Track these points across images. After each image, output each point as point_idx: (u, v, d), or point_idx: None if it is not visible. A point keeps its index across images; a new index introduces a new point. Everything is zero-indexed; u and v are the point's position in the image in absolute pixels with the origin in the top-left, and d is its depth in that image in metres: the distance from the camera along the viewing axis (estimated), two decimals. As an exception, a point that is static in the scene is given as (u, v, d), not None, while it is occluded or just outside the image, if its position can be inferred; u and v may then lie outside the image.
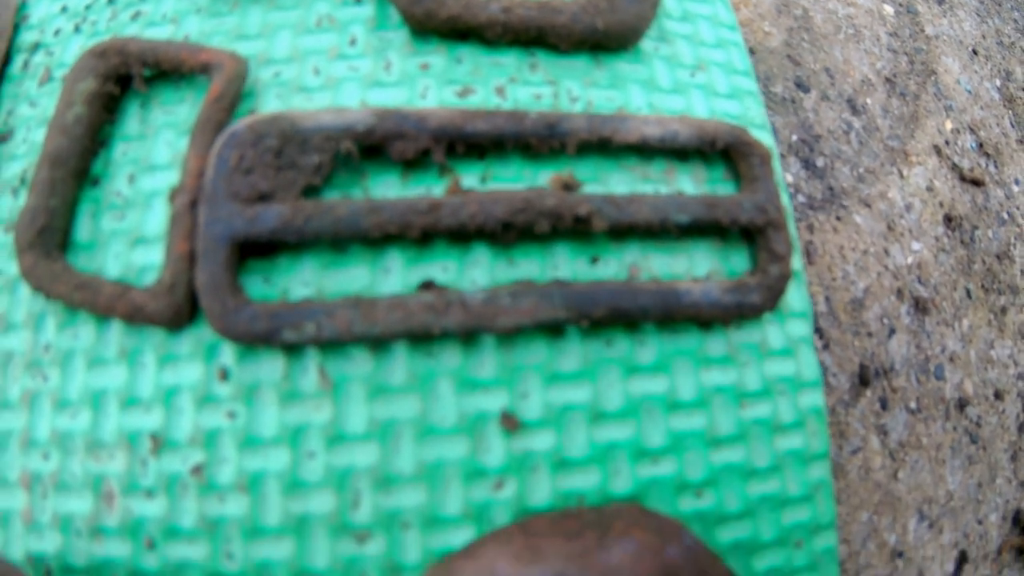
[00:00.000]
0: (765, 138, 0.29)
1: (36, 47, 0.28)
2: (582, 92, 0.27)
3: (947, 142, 0.39)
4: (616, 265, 0.25)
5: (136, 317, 0.23)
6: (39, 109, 0.27)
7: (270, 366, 0.23)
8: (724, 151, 0.27)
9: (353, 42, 0.27)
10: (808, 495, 0.27)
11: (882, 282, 0.37)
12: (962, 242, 0.39)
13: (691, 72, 0.29)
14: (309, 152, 0.23)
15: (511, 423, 0.23)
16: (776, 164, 0.28)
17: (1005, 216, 0.41)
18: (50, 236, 0.24)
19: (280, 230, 0.22)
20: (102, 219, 0.25)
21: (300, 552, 0.23)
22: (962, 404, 0.39)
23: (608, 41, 0.27)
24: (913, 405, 0.38)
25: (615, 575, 0.22)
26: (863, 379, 0.37)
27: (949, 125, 0.39)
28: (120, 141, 0.26)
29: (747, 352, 0.27)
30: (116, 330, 0.24)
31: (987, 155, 0.39)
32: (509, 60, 0.27)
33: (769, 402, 0.27)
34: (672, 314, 0.24)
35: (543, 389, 0.24)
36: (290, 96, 0.26)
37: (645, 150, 0.26)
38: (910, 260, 0.38)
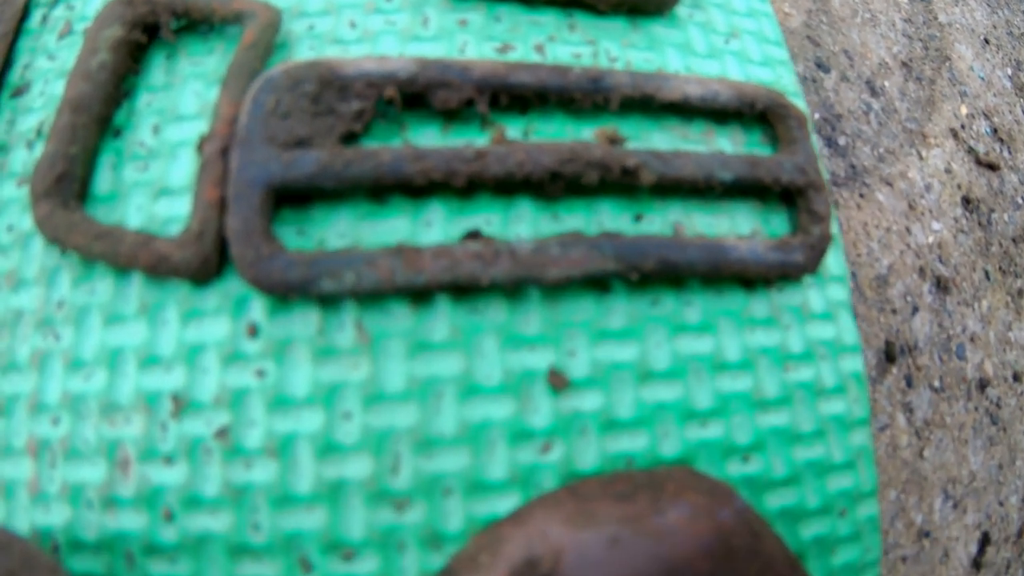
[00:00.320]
0: (799, 104, 0.29)
1: (56, 1, 0.27)
2: (620, 52, 0.26)
3: (963, 126, 0.39)
4: (660, 222, 0.24)
5: (160, 268, 0.22)
6: (58, 62, 0.25)
7: (303, 320, 0.22)
8: (762, 114, 0.27)
9: (389, -3, 0.26)
10: (851, 461, 0.26)
11: (905, 260, 0.37)
12: (980, 224, 0.39)
13: (725, 39, 0.29)
14: (349, 98, 0.22)
15: (559, 381, 0.22)
16: (811, 129, 0.28)
17: (1020, 201, 0.42)
18: (68, 185, 0.22)
19: (319, 175, 0.21)
20: (124, 170, 0.23)
21: (333, 522, 0.21)
22: (983, 384, 0.38)
23: (646, 4, 0.27)
24: (936, 384, 0.37)
25: (670, 537, 0.21)
26: (889, 355, 0.36)
27: (964, 110, 0.39)
28: (145, 91, 0.24)
29: (790, 314, 0.26)
30: (136, 284, 0.22)
31: (1001, 140, 0.40)
32: (547, 19, 0.26)
33: (812, 365, 0.26)
34: (719, 269, 0.23)
35: (590, 347, 0.22)
36: (325, 48, 0.24)
37: (685, 110, 0.25)
38: (931, 240, 0.38)
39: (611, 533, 0.20)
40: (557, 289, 0.22)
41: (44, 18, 0.26)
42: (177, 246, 0.21)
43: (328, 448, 0.21)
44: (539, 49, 0.25)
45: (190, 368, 0.21)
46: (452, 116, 0.23)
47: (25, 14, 0.26)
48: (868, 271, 0.36)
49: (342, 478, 0.21)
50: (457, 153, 0.21)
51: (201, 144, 0.23)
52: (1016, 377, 0.40)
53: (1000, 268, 0.38)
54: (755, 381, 0.24)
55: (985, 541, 0.37)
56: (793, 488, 0.25)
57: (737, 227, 0.25)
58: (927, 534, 0.36)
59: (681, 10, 0.28)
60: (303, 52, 0.24)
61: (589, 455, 0.22)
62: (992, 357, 0.37)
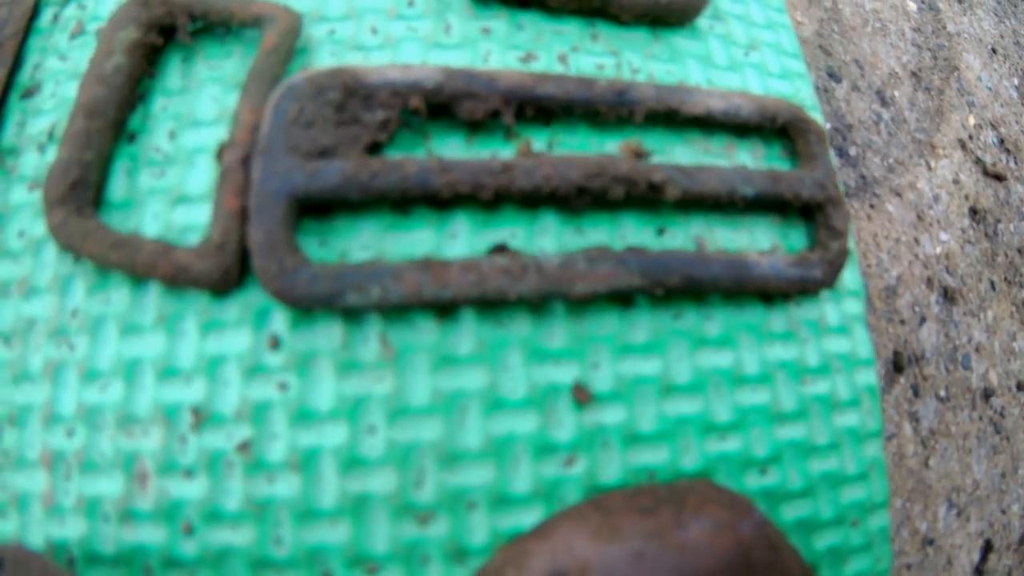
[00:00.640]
0: (817, 118, 0.29)
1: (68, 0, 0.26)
2: (643, 64, 0.26)
3: (970, 137, 0.40)
4: (682, 236, 0.24)
5: (179, 279, 0.21)
6: (70, 63, 0.24)
7: (327, 333, 0.21)
8: (782, 128, 0.27)
9: (411, 3, 0.25)
10: (864, 473, 0.27)
11: (913, 271, 0.37)
12: (986, 235, 0.39)
13: (745, 51, 0.29)
14: (373, 108, 0.22)
15: (584, 395, 0.22)
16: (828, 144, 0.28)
17: (1024, 212, 0.42)
18: (83, 191, 0.22)
19: (344, 186, 0.21)
20: (139, 176, 0.23)
21: (357, 536, 0.21)
22: (987, 394, 0.39)
23: (669, 16, 0.26)
24: (942, 393, 0.38)
25: (693, 552, 0.21)
26: (897, 365, 0.37)
27: (972, 120, 0.40)
28: (160, 95, 0.24)
29: (807, 328, 0.26)
30: (154, 294, 0.22)
31: (1008, 151, 0.40)
32: (571, 29, 0.26)
33: (827, 379, 0.26)
34: (742, 285, 0.23)
35: (614, 361, 0.22)
36: (346, 54, 0.24)
37: (708, 124, 0.25)
38: (939, 250, 0.38)
39: (636, 548, 0.20)
40: (582, 303, 0.22)
41: (55, 17, 0.25)
42: (197, 256, 0.21)
43: (352, 462, 0.21)
44: (562, 59, 0.25)
45: (210, 380, 0.21)
46: (476, 127, 0.23)
47: (35, 13, 0.25)
48: (878, 282, 0.36)
49: (366, 492, 0.21)
50: (484, 165, 0.21)
51: (221, 152, 0.22)
52: (1019, 387, 0.40)
53: (1005, 279, 0.39)
54: (773, 395, 0.25)
55: (987, 549, 0.38)
56: (808, 500, 0.25)
57: (757, 242, 0.25)
58: (931, 542, 0.36)
59: (702, 21, 0.28)
60: (324, 58, 0.24)
61: (612, 469, 0.22)
62: (996, 367, 0.38)
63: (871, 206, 0.37)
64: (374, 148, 0.22)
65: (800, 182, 0.25)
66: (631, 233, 0.24)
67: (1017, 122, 0.40)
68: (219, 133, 0.23)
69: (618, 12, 0.26)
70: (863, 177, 0.37)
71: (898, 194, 0.38)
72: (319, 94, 0.21)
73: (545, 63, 0.25)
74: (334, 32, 0.25)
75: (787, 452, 0.25)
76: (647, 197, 0.23)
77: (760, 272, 0.24)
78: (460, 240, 0.22)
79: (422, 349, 0.21)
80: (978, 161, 0.40)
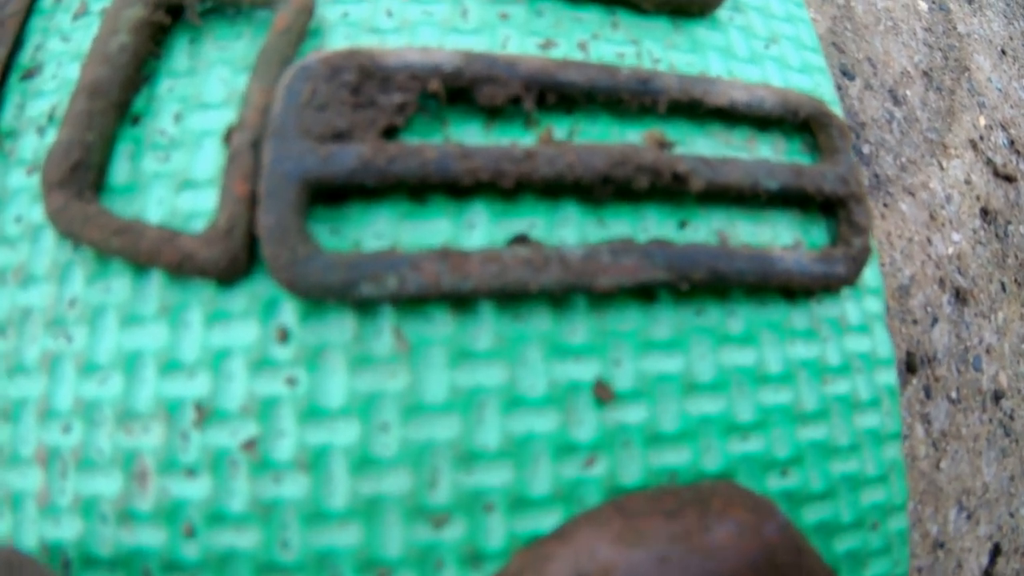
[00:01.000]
0: (837, 112, 0.28)
1: (69, -22, 0.25)
2: (663, 54, 0.25)
3: (981, 137, 0.39)
4: (705, 230, 0.23)
5: (184, 267, 0.20)
6: (72, 44, 0.23)
7: (338, 326, 0.20)
8: (804, 122, 0.26)
9: (427, -13, 0.24)
10: (883, 475, 0.26)
11: (926, 271, 0.37)
12: (997, 236, 0.39)
13: (765, 44, 0.28)
14: (390, 90, 0.20)
15: (605, 393, 0.21)
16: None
17: (1035, 213, 0.42)
18: (84, 174, 0.20)
19: (360, 171, 0.19)
20: (143, 160, 0.22)
21: (369, 538, 0.19)
22: (997, 396, 0.38)
23: (690, 5, 0.26)
24: (954, 395, 0.37)
25: (719, 555, 0.20)
26: (910, 366, 0.36)
27: (983, 121, 0.39)
28: (166, 77, 0.22)
29: (828, 326, 0.25)
30: (156, 284, 0.21)
31: (1018, 153, 0.40)
32: (590, 16, 0.25)
33: (848, 379, 0.25)
34: (767, 280, 0.22)
35: (636, 358, 0.21)
36: (360, 37, 0.23)
37: (730, 116, 0.24)
38: (950, 250, 0.38)
39: (661, 551, 0.19)
40: (603, 297, 0.21)
41: (56, -4, 0.24)
42: (203, 243, 0.20)
43: (364, 462, 0.19)
44: (583, 47, 0.24)
45: (215, 374, 0.20)
46: (495, 113, 0.22)
47: (35, -9, 0.24)
48: (891, 281, 0.36)
49: (378, 493, 0.19)
50: (505, 152, 0.20)
51: (229, 134, 0.21)
52: (1027, 389, 0.40)
53: (1016, 280, 0.39)
54: (795, 394, 0.24)
55: (996, 552, 0.37)
56: (829, 502, 0.24)
57: (779, 236, 0.25)
58: (942, 545, 0.36)
59: (722, 13, 0.27)
60: (337, 40, 0.23)
61: (633, 470, 0.21)
62: (1007, 369, 0.37)
63: (884, 205, 0.36)
64: (390, 132, 0.21)
65: (822, 176, 0.25)
66: (653, 225, 0.23)
67: (1027, 124, 0.40)
68: (227, 116, 0.22)
69: (639, 0, 0.25)
70: (876, 176, 0.37)
71: (911, 193, 0.37)
72: (334, 75, 0.20)
73: (565, 50, 0.24)
74: (348, 14, 0.23)
75: (808, 453, 0.24)
76: (670, 188, 0.22)
77: (784, 267, 0.23)
78: (478, 230, 0.21)
79: (438, 343, 0.20)
80: (989, 162, 0.39)
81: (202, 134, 0.22)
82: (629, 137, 0.23)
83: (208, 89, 0.22)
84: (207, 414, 0.20)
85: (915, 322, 0.37)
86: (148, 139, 0.22)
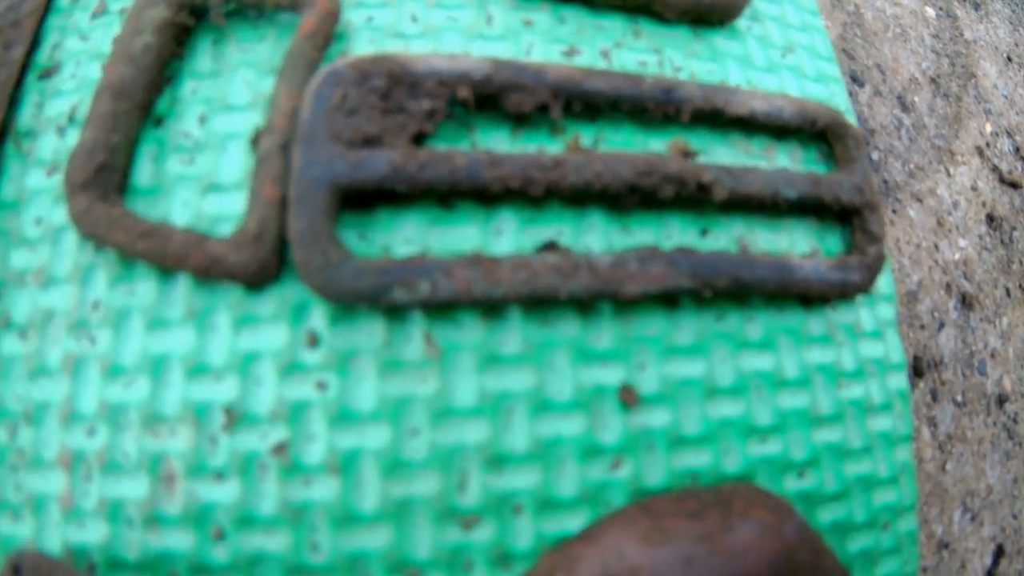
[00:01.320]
0: (852, 121, 0.29)
1: (87, -25, 0.25)
2: (684, 63, 0.26)
3: (987, 144, 0.41)
4: (725, 238, 0.24)
5: (213, 271, 0.20)
6: (91, 43, 0.23)
7: (369, 331, 0.21)
8: (820, 132, 0.27)
9: (452, -9, 0.25)
10: (895, 477, 0.27)
11: (933, 276, 0.38)
12: (1002, 242, 0.40)
13: (782, 53, 0.29)
14: (419, 97, 0.21)
15: (631, 397, 0.22)
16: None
17: (1040, 219, 0.44)
18: (108, 176, 0.21)
19: (391, 177, 0.20)
20: (167, 162, 0.22)
21: (399, 541, 0.20)
22: (1001, 400, 0.40)
23: (711, 15, 0.27)
24: (959, 398, 0.39)
25: (742, 555, 0.21)
26: (917, 370, 0.38)
27: (989, 128, 0.41)
28: (189, 78, 0.23)
29: (844, 332, 0.26)
30: (183, 287, 0.21)
31: (1023, 159, 0.41)
32: (613, 25, 0.26)
33: (862, 383, 0.26)
34: (787, 287, 0.23)
35: (660, 363, 0.22)
36: (385, 42, 0.23)
37: (749, 125, 0.25)
38: (957, 256, 0.39)
39: (686, 552, 0.20)
40: (629, 304, 0.22)
41: (73, -7, 0.25)
42: (232, 247, 0.20)
43: (394, 465, 0.20)
44: (605, 55, 0.25)
45: (244, 378, 0.20)
46: (522, 120, 0.23)
47: (51, -12, 0.25)
48: (900, 287, 0.37)
49: (408, 496, 0.20)
50: (534, 160, 0.21)
51: (256, 138, 0.22)
52: (1030, 393, 0.42)
53: (1020, 286, 0.40)
54: (811, 398, 0.25)
55: (999, 553, 0.39)
56: (843, 503, 0.25)
57: (796, 245, 0.26)
58: (946, 545, 0.37)
59: (740, 22, 0.28)
60: (362, 45, 0.23)
61: (656, 471, 0.22)
62: (1011, 373, 0.39)
63: (893, 211, 0.37)
64: (419, 139, 0.21)
65: (839, 186, 0.26)
66: (676, 233, 0.24)
67: (1032, 131, 0.42)
68: (253, 119, 0.22)
69: (661, 9, 0.26)
70: (885, 182, 0.38)
71: (919, 199, 0.38)
72: (363, 81, 0.21)
73: (588, 58, 0.25)
74: (372, 19, 0.24)
75: (824, 455, 0.25)
76: (694, 197, 0.23)
77: (803, 275, 0.24)
78: (506, 237, 0.22)
79: (467, 348, 0.21)
80: (995, 169, 0.41)
81: (227, 137, 0.22)
82: (652, 145, 0.24)
83: (232, 91, 0.23)
84: (236, 418, 0.20)
85: (922, 327, 0.38)
86: (172, 141, 0.22)
